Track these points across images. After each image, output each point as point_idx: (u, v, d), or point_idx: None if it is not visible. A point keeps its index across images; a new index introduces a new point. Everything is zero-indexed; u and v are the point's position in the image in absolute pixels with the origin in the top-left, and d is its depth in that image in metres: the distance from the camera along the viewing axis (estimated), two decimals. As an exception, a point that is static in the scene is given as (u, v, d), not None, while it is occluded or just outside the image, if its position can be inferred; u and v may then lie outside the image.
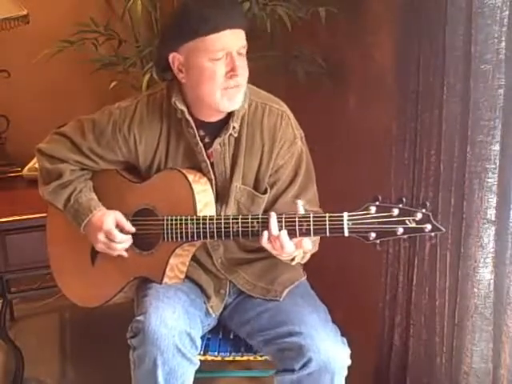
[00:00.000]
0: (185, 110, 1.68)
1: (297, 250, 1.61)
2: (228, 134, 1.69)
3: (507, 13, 1.60)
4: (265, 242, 1.59)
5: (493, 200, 1.71)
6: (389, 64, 2.04)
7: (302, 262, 1.78)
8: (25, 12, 2.42)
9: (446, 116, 1.77)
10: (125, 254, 1.74)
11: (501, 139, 1.68)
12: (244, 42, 1.63)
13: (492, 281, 1.77)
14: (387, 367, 2.12)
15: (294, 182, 1.76)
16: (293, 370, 1.64)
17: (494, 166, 1.69)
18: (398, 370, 2.09)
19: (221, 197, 1.74)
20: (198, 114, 1.70)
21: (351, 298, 2.41)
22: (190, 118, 1.69)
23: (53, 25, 2.53)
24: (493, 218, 1.73)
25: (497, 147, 1.68)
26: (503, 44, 1.62)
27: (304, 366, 1.62)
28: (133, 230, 1.73)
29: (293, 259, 1.69)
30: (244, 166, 1.73)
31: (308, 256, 1.75)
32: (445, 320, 1.89)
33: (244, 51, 1.63)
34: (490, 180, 1.70)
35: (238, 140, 1.72)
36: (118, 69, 2.48)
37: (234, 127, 1.69)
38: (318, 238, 1.70)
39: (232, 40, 1.60)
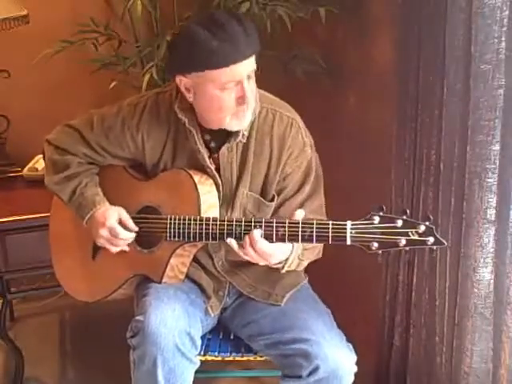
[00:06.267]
0: (186, 120, 1.66)
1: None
2: (237, 140, 1.67)
3: (507, 13, 1.60)
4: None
5: (493, 200, 1.71)
6: (389, 64, 2.04)
7: (299, 269, 1.75)
8: (25, 12, 2.42)
9: (445, 116, 1.77)
10: (125, 249, 1.74)
11: (501, 139, 1.68)
12: (254, 66, 1.58)
13: (492, 281, 1.77)
14: (387, 367, 2.12)
15: (301, 190, 1.73)
16: (300, 377, 1.63)
17: (494, 166, 1.69)
18: (398, 369, 2.09)
19: (226, 202, 1.73)
20: (204, 123, 1.68)
21: (351, 298, 2.40)
22: (191, 129, 1.67)
23: (53, 25, 2.54)
24: (493, 218, 1.73)
25: (497, 147, 1.68)
26: (503, 44, 1.62)
27: (311, 373, 1.61)
28: (136, 228, 1.73)
29: (283, 267, 1.65)
30: (252, 173, 1.71)
31: (305, 263, 1.72)
32: (445, 320, 1.89)
33: (253, 73, 1.60)
34: (489, 180, 1.70)
35: (246, 146, 1.69)
36: (117, 69, 2.48)
37: (243, 134, 1.67)
38: (319, 245, 1.69)
39: (241, 70, 1.55)
